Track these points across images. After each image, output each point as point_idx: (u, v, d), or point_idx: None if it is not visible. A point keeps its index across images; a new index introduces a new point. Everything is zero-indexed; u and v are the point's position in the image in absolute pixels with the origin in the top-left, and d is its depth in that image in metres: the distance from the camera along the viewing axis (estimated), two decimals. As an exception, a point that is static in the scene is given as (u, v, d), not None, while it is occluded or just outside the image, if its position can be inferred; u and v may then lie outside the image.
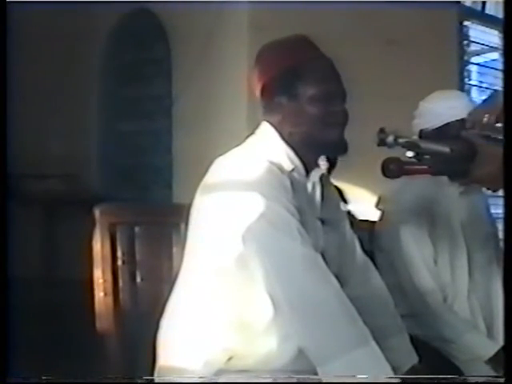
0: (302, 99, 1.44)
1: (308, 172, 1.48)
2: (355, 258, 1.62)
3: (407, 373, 1.54)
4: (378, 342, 1.30)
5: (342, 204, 1.64)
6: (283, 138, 1.46)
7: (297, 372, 1.36)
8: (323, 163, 1.50)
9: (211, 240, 1.40)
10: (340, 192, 2.01)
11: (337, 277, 1.35)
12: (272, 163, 1.39)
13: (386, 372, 1.26)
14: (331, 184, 1.62)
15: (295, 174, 1.45)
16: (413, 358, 1.60)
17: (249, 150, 1.46)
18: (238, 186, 1.37)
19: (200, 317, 1.42)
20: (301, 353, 1.34)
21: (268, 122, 1.48)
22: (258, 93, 1.50)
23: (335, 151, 1.49)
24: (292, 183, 1.40)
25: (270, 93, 1.47)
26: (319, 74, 1.45)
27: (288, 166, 1.44)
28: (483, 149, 1.37)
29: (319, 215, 1.49)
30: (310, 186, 1.49)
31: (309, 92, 1.43)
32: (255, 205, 1.33)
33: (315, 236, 1.42)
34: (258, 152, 1.44)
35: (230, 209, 1.37)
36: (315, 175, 1.49)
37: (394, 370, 1.30)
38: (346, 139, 1.46)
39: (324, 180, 1.54)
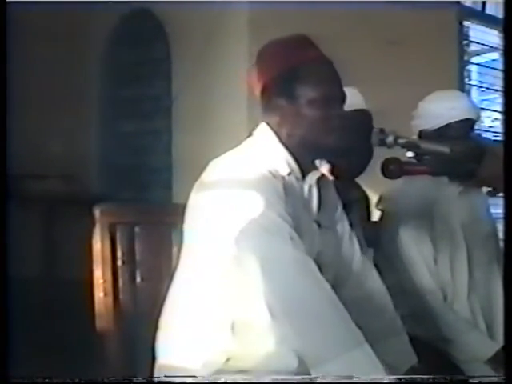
0: (301, 101, 1.42)
1: (304, 175, 1.48)
2: (353, 259, 1.62)
3: (406, 373, 1.53)
4: (376, 343, 1.30)
5: (339, 207, 1.63)
6: (281, 140, 1.45)
7: (296, 373, 1.35)
8: (324, 166, 1.49)
9: (206, 241, 1.40)
10: (367, 199, 2.00)
11: (334, 278, 1.35)
12: (267, 167, 1.39)
13: (379, 373, 1.25)
14: (331, 186, 1.61)
15: (291, 178, 1.44)
16: (412, 359, 1.60)
17: (245, 153, 1.45)
18: (232, 190, 1.37)
19: (198, 317, 1.42)
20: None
21: (267, 123, 1.48)
22: (257, 93, 1.50)
23: (332, 156, 1.48)
24: (286, 188, 1.40)
25: (269, 93, 1.46)
26: (319, 77, 1.44)
27: (284, 170, 1.43)
28: (492, 150, 1.37)
29: (315, 218, 1.49)
30: (306, 189, 1.48)
31: (308, 94, 1.42)
32: (247, 208, 1.33)
33: (311, 239, 1.42)
34: (253, 155, 1.43)
35: (223, 210, 1.37)
36: (312, 178, 1.49)
37: (393, 370, 1.30)
38: (343, 144, 1.44)
39: (322, 182, 1.53)
